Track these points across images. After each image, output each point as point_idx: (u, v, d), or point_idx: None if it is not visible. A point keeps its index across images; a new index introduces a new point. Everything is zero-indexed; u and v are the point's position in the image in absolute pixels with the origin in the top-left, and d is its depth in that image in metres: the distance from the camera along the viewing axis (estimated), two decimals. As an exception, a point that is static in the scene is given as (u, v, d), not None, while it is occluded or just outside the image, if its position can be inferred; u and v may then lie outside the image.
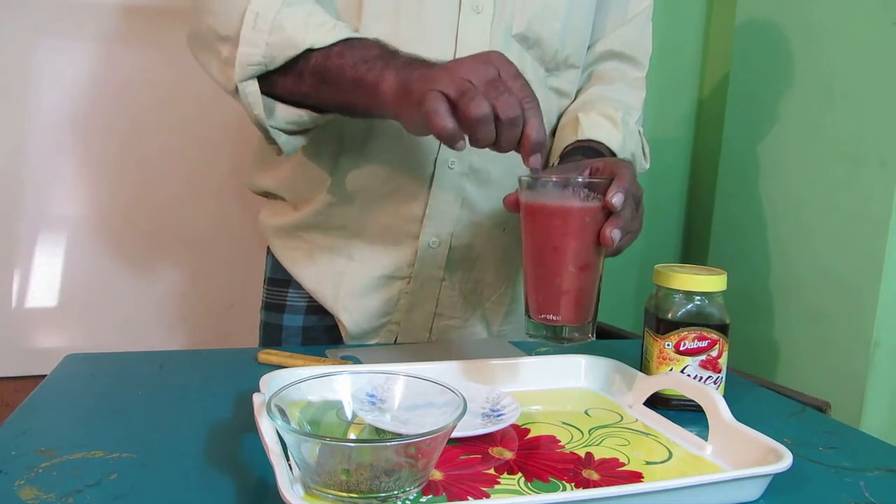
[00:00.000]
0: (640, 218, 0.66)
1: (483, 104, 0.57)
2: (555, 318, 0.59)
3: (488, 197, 0.86)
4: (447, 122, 0.58)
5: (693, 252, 1.63)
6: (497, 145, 0.60)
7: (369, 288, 0.88)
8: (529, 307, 0.62)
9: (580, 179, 0.60)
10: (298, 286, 0.91)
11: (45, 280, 1.26)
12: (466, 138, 0.60)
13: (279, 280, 0.93)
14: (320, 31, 0.69)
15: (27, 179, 1.23)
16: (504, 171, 0.85)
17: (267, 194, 0.93)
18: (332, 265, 0.88)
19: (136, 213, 1.28)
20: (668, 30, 1.54)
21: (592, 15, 0.89)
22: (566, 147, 0.84)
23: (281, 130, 0.75)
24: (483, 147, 0.61)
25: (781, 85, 1.30)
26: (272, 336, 0.94)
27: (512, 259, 0.93)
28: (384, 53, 0.68)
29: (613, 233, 0.59)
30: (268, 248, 0.95)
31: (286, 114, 0.75)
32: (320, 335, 0.92)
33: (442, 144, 0.81)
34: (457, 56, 0.78)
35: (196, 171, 1.30)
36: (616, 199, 0.59)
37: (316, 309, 0.91)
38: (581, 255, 0.59)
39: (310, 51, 0.69)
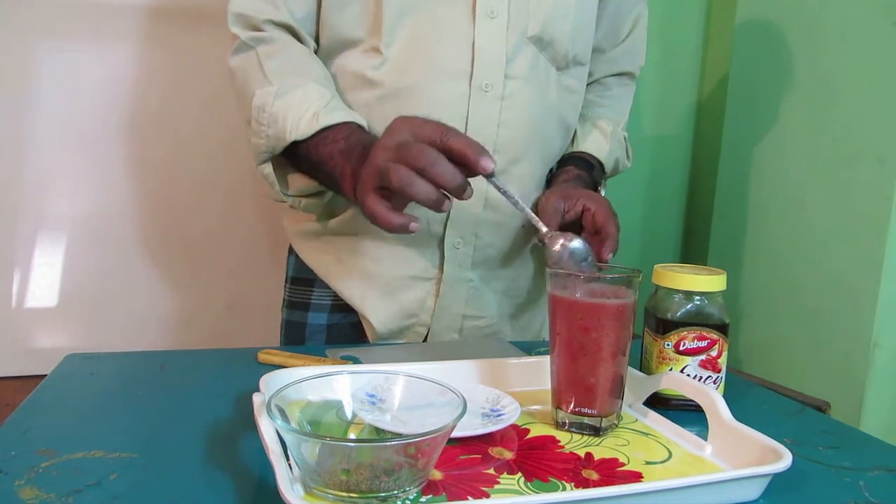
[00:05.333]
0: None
1: (399, 170, 0.61)
2: (591, 412, 0.59)
3: None
4: (392, 219, 0.64)
5: (693, 252, 1.63)
6: (448, 190, 0.62)
7: (396, 288, 0.88)
8: (561, 400, 0.60)
9: (612, 276, 0.61)
10: (324, 284, 0.91)
11: (45, 280, 1.25)
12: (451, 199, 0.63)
13: (303, 279, 0.93)
14: (301, 124, 0.75)
15: (27, 179, 1.23)
16: (526, 169, 0.87)
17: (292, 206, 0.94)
18: (358, 267, 0.89)
19: (136, 213, 1.28)
20: (668, 29, 1.54)
21: (596, 11, 0.91)
22: (562, 155, 0.95)
23: (300, 197, 0.83)
24: (432, 200, 0.62)
25: (781, 84, 1.30)
26: (295, 334, 0.94)
27: (528, 255, 0.95)
28: (346, 148, 0.73)
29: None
30: (290, 247, 0.95)
31: (301, 184, 0.83)
32: (346, 332, 0.92)
33: None
34: (474, 63, 0.81)
35: (196, 172, 1.29)
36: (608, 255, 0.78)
37: (342, 307, 0.91)
38: (618, 348, 0.58)
39: (295, 142, 0.76)
